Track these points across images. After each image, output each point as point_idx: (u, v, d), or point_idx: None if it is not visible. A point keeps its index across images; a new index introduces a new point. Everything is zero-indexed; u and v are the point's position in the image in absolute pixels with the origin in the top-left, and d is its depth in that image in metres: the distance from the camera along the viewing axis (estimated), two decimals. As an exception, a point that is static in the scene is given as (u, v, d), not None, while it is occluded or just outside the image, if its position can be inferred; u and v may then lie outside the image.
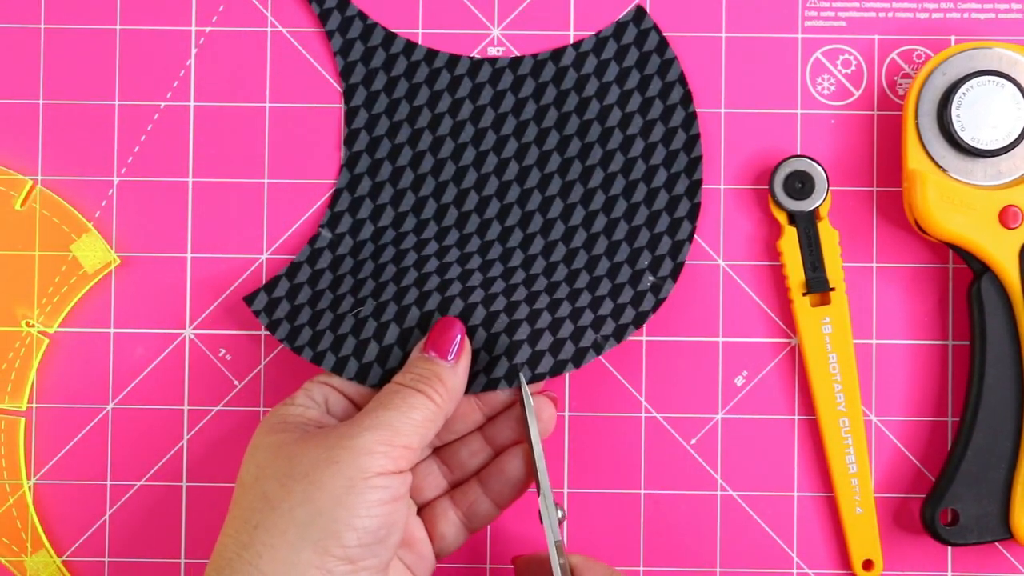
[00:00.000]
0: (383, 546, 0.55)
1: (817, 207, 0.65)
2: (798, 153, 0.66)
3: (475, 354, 0.62)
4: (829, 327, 0.65)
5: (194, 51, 0.68)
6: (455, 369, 0.59)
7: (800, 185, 0.65)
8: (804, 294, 0.65)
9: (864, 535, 0.65)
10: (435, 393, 0.58)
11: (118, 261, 0.67)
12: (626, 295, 0.64)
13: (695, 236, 0.66)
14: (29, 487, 0.66)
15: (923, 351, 0.66)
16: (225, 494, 0.65)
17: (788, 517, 0.66)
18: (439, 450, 0.62)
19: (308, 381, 0.61)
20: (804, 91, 0.67)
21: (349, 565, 0.54)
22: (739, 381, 0.66)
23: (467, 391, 0.61)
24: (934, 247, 0.66)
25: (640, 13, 0.66)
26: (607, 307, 0.63)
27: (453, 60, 0.66)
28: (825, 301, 0.65)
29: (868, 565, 0.65)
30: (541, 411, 0.61)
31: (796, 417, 0.66)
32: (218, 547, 0.55)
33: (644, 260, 0.64)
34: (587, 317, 0.63)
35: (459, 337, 0.60)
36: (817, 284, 0.65)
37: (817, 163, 0.65)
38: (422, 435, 0.57)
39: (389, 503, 0.54)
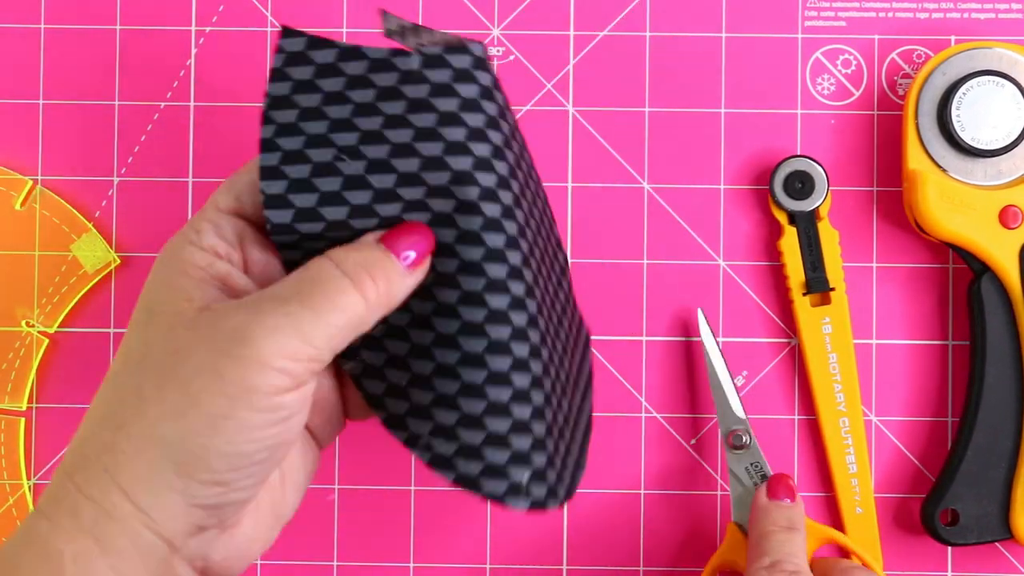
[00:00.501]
0: (262, 467, 0.46)
1: (817, 207, 0.65)
2: (798, 153, 0.66)
3: None
4: (829, 327, 0.65)
5: (194, 51, 0.68)
6: (405, 277, 0.47)
7: (800, 185, 0.65)
8: (804, 294, 0.65)
9: (864, 535, 0.65)
10: (372, 289, 0.46)
11: (118, 261, 0.67)
12: None
13: (695, 237, 0.66)
14: (29, 487, 0.66)
15: (923, 351, 0.66)
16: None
17: (788, 517, 0.66)
18: None
19: (213, 204, 0.49)
20: (804, 91, 0.67)
21: (218, 488, 0.45)
22: (739, 381, 0.66)
23: None
24: (934, 247, 0.66)
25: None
26: None
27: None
28: (825, 301, 0.65)
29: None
30: None
31: (796, 417, 0.66)
32: (79, 436, 0.46)
33: None
34: None
35: (425, 243, 0.48)
36: (817, 284, 0.65)
37: (817, 163, 0.65)
38: (338, 343, 0.45)
39: (278, 425, 0.45)
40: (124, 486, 0.44)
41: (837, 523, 0.66)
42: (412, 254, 0.47)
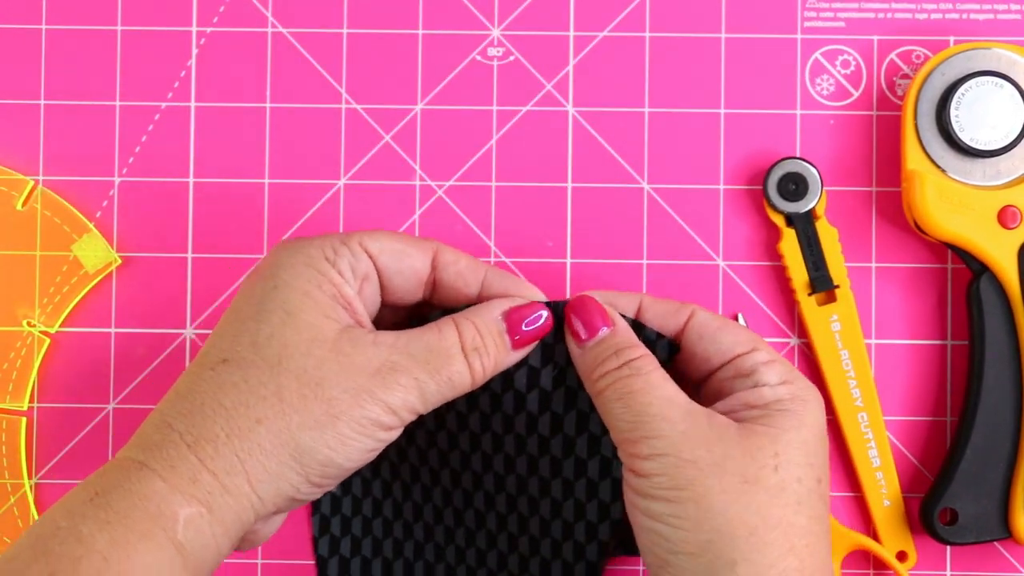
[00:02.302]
0: (345, 476, 0.54)
1: (813, 207, 0.65)
2: (797, 154, 0.66)
3: None
4: (838, 324, 0.65)
5: (195, 51, 0.68)
6: (512, 355, 0.56)
7: (794, 187, 0.65)
8: (809, 294, 0.65)
9: (895, 527, 0.65)
10: (479, 372, 0.55)
11: (119, 261, 0.67)
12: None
13: (695, 237, 0.66)
14: (30, 487, 0.66)
15: (922, 351, 0.67)
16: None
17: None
18: None
19: (357, 239, 0.56)
20: (803, 91, 0.67)
21: (317, 489, 0.53)
22: (738, 381, 0.66)
23: None
24: (933, 247, 0.67)
25: None
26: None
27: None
28: (831, 299, 0.65)
29: (902, 556, 0.65)
30: None
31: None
32: (201, 407, 0.52)
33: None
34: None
35: (540, 327, 0.56)
36: (821, 283, 0.65)
37: (809, 163, 0.65)
38: (437, 405, 0.54)
39: (374, 452, 0.53)
40: (250, 472, 0.51)
41: (866, 519, 0.66)
42: (527, 332, 0.56)
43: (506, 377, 0.57)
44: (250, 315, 0.53)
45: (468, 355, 0.54)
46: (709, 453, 0.52)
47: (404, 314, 0.59)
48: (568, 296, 0.60)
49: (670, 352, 0.57)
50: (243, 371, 0.52)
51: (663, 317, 0.57)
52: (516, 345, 0.56)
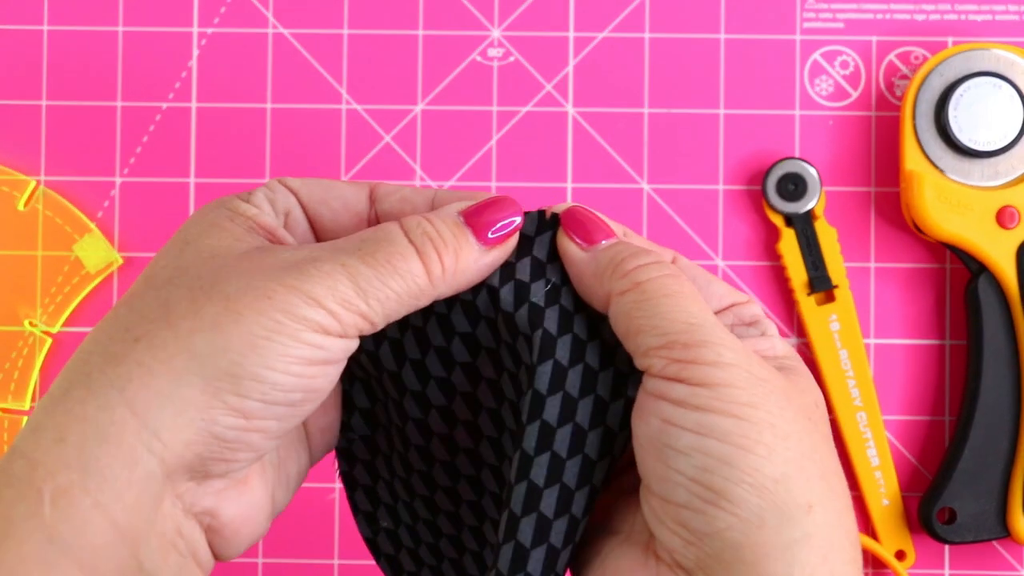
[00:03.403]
0: (290, 411, 0.42)
1: (812, 207, 0.65)
2: (796, 155, 0.67)
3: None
4: (837, 324, 0.65)
5: (196, 52, 0.68)
6: (483, 256, 0.44)
7: (793, 187, 0.65)
8: (808, 294, 0.65)
9: (894, 526, 0.66)
10: (438, 265, 0.43)
11: (120, 261, 0.67)
12: None
13: (695, 237, 0.66)
14: (32, 486, 0.66)
15: (921, 351, 0.67)
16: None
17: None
18: None
19: (274, 179, 0.46)
20: (802, 92, 0.67)
21: (240, 420, 0.40)
22: (738, 380, 0.66)
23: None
24: (932, 247, 0.67)
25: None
26: None
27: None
28: (830, 299, 0.66)
29: (901, 555, 0.66)
30: None
31: (795, 416, 0.66)
32: (78, 354, 0.41)
33: None
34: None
35: (511, 222, 0.44)
36: (820, 283, 0.65)
37: (808, 163, 0.65)
38: (392, 311, 0.42)
39: (317, 365, 0.41)
40: (133, 400, 0.39)
41: (865, 518, 0.66)
42: (498, 231, 0.44)
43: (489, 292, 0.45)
44: (153, 266, 0.43)
45: (414, 239, 0.43)
46: (774, 379, 0.43)
47: None
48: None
49: None
50: (128, 303, 0.41)
51: None
52: (484, 240, 0.44)
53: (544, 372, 0.45)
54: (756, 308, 0.47)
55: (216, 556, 0.43)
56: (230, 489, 0.43)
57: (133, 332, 0.40)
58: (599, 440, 0.46)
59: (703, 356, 0.42)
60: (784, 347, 0.46)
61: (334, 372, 0.42)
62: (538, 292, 0.45)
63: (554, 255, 0.46)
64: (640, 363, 0.43)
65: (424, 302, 0.43)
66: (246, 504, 0.44)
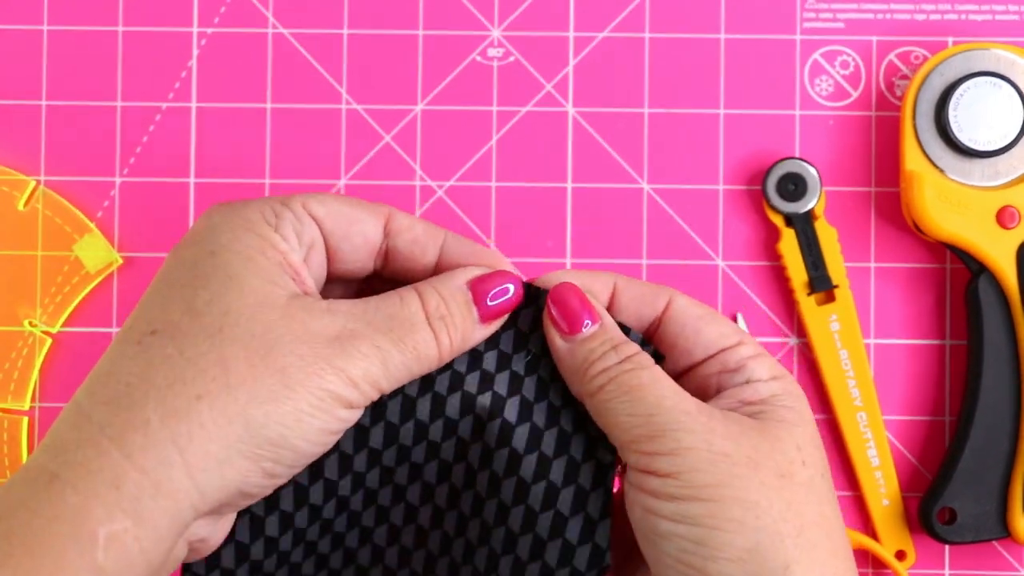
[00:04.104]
0: (300, 468, 0.46)
1: (812, 207, 0.65)
2: (796, 154, 0.67)
3: None
4: (837, 324, 0.65)
5: (196, 52, 0.68)
6: (481, 330, 0.48)
7: (793, 187, 0.65)
8: (808, 294, 0.65)
9: (894, 527, 0.66)
10: (448, 347, 0.47)
11: (120, 261, 0.67)
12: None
13: (695, 237, 0.66)
14: (32, 486, 0.66)
15: (921, 351, 0.67)
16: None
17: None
18: None
19: (300, 202, 0.48)
20: (802, 92, 0.67)
21: (267, 479, 0.45)
22: (738, 380, 0.66)
23: None
24: (932, 247, 0.67)
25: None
26: None
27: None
28: (830, 299, 0.66)
29: (901, 555, 0.66)
30: None
31: (795, 416, 0.66)
32: (129, 392, 0.43)
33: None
34: None
35: (510, 301, 0.49)
36: (820, 283, 0.65)
37: (809, 163, 0.65)
38: (402, 383, 0.47)
39: (336, 434, 0.46)
40: (191, 463, 0.42)
41: (865, 518, 0.66)
42: (498, 306, 0.49)
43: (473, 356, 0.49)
44: (183, 282, 0.45)
45: (433, 324, 0.47)
46: (739, 446, 0.46)
47: (353, 291, 0.52)
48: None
49: (656, 360, 0.50)
50: (177, 342, 0.44)
51: (639, 304, 0.50)
52: (483, 318, 0.48)
53: (521, 433, 0.49)
54: (745, 350, 0.49)
55: (188, 560, 0.47)
56: (223, 519, 0.47)
57: (194, 388, 0.43)
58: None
59: (664, 446, 0.46)
60: (770, 388, 0.48)
61: (340, 436, 0.46)
62: (519, 363, 0.49)
63: (536, 326, 0.49)
64: (622, 457, 0.47)
65: (427, 372, 0.48)
66: (225, 528, 0.47)
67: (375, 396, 0.46)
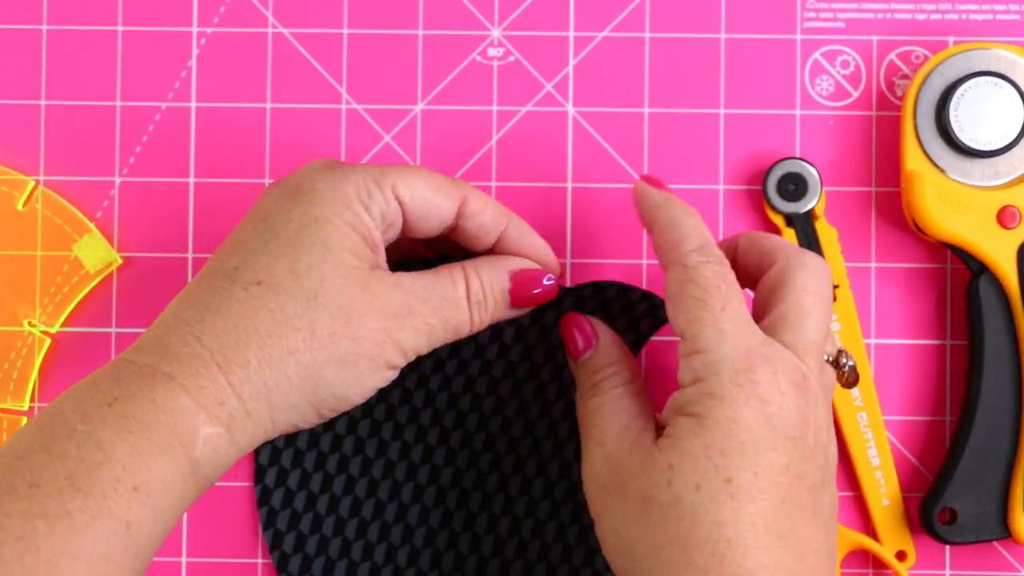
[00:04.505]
0: (345, 411, 0.56)
1: (812, 207, 0.65)
2: (796, 154, 0.67)
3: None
4: (837, 324, 0.65)
5: (195, 52, 0.68)
6: (509, 313, 0.58)
7: (794, 187, 0.65)
8: (807, 293, 0.65)
9: (894, 527, 0.65)
10: (477, 322, 0.57)
11: (120, 261, 0.67)
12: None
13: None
14: (31, 486, 0.66)
15: (921, 351, 0.67)
16: (226, 494, 0.65)
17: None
18: None
19: (391, 184, 0.56)
20: (803, 92, 0.67)
21: (314, 421, 0.54)
22: (738, 381, 0.66)
23: None
24: (932, 247, 0.67)
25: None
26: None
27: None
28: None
29: (902, 556, 0.66)
30: None
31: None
32: (234, 325, 0.53)
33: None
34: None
35: (541, 290, 0.59)
36: (819, 283, 0.65)
37: (809, 163, 0.65)
38: (436, 347, 0.56)
39: (377, 389, 0.55)
40: (273, 401, 0.52)
41: (865, 518, 0.66)
42: (529, 298, 0.58)
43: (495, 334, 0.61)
44: (287, 240, 0.54)
45: (472, 307, 0.56)
46: (615, 478, 0.53)
47: (404, 244, 0.60)
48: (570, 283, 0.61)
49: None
50: (280, 298, 0.53)
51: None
52: (515, 303, 0.58)
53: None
54: (683, 347, 0.54)
55: None
56: None
57: (287, 343, 0.52)
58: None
59: (582, 475, 0.56)
60: (683, 396, 0.53)
61: None
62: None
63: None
64: None
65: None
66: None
67: (413, 359, 0.55)
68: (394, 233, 0.57)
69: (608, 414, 0.56)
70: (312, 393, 0.53)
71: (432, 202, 0.57)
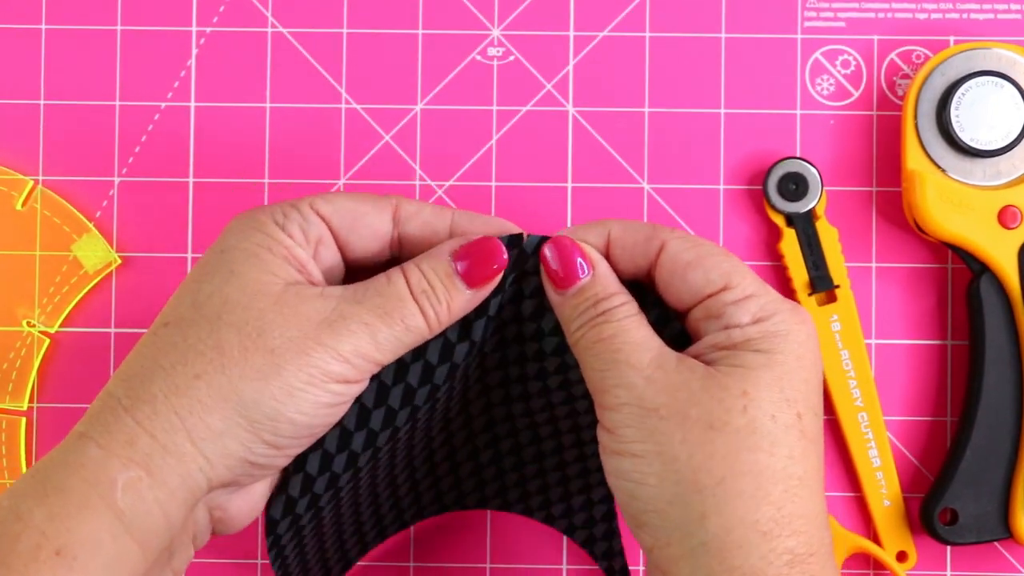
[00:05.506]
0: (310, 439, 0.51)
1: (813, 207, 0.65)
2: (797, 154, 0.67)
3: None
4: (838, 324, 0.65)
5: (195, 51, 0.68)
6: (471, 299, 0.52)
7: (794, 187, 0.65)
8: (810, 294, 0.65)
9: (895, 527, 0.65)
10: (435, 319, 0.52)
11: (119, 261, 0.67)
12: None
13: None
14: (30, 487, 0.66)
15: (922, 351, 0.67)
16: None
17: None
18: None
19: (308, 203, 0.53)
20: (804, 91, 0.67)
21: (273, 450, 0.50)
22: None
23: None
24: (933, 247, 0.67)
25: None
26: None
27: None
28: (831, 299, 0.65)
29: (902, 556, 0.66)
30: None
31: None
32: (139, 368, 0.50)
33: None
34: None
35: (495, 265, 0.52)
36: (821, 283, 0.65)
37: (809, 163, 0.65)
38: (398, 354, 0.52)
39: (336, 407, 0.51)
40: (191, 430, 0.48)
41: (866, 519, 0.66)
42: (486, 275, 0.52)
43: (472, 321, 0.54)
44: (194, 278, 0.51)
45: (417, 298, 0.51)
46: (672, 400, 0.48)
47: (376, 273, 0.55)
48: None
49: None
50: (183, 330, 0.50)
51: (633, 251, 0.53)
52: (472, 282, 0.52)
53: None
54: (728, 296, 0.51)
55: (217, 533, 0.53)
56: (241, 490, 0.53)
57: (193, 368, 0.49)
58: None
59: (607, 401, 0.50)
60: (745, 334, 0.49)
61: (348, 406, 0.52)
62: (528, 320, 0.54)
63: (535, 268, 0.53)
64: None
65: (422, 342, 0.52)
66: (249, 498, 0.53)
67: (373, 368, 0.51)
68: (331, 254, 0.53)
69: (635, 340, 0.50)
70: (237, 415, 0.49)
71: (358, 211, 0.53)
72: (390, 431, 0.54)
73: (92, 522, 0.47)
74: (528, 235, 0.53)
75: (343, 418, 0.52)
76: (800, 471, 0.48)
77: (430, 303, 0.51)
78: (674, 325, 0.52)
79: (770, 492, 0.47)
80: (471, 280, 0.52)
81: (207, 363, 0.49)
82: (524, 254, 0.53)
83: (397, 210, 0.54)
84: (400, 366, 0.53)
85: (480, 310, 0.53)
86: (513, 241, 0.53)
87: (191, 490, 0.49)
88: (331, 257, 0.53)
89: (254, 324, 0.49)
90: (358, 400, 0.52)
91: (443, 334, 0.53)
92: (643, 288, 0.53)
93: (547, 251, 0.53)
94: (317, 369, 0.49)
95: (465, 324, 0.53)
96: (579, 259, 0.52)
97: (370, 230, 0.53)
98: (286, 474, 0.54)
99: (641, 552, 0.57)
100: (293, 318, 0.50)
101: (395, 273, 0.52)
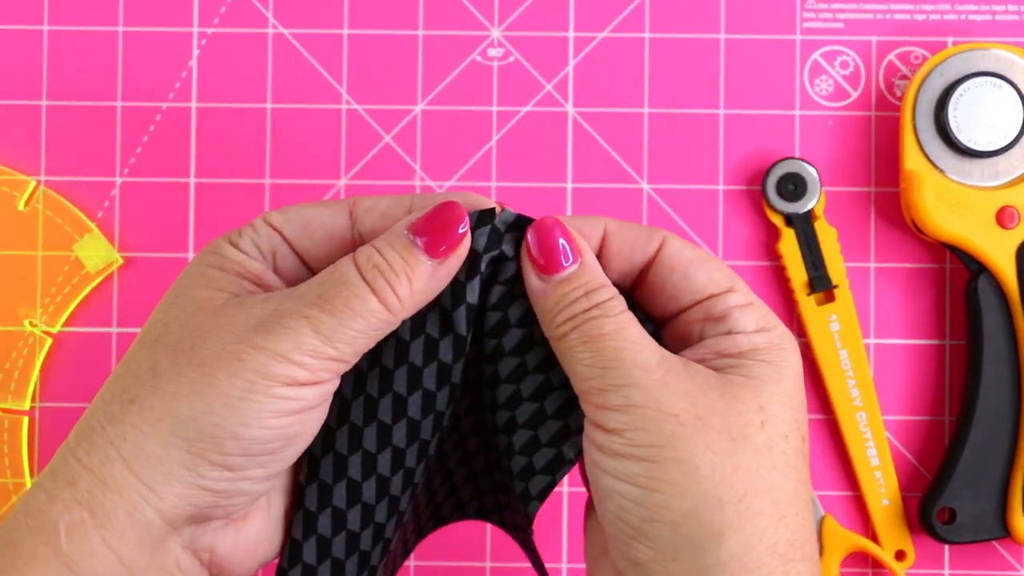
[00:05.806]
0: (275, 457, 0.46)
1: (812, 207, 0.65)
2: (796, 155, 0.67)
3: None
4: (837, 324, 0.65)
5: (196, 52, 0.68)
6: (437, 271, 0.46)
7: (793, 187, 0.65)
8: (808, 294, 0.65)
9: (893, 526, 0.66)
10: (394, 296, 0.46)
11: (120, 261, 0.67)
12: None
13: (695, 237, 0.66)
14: (32, 486, 0.66)
15: (920, 351, 0.67)
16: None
17: (786, 516, 0.66)
18: None
19: (261, 217, 0.49)
20: (802, 92, 0.67)
21: (226, 472, 0.45)
22: (738, 380, 0.66)
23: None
24: (931, 247, 0.67)
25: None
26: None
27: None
28: (830, 299, 0.66)
29: (901, 555, 0.66)
30: None
31: (808, 416, 0.66)
32: (89, 410, 0.46)
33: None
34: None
35: (461, 229, 0.46)
36: (820, 283, 0.65)
37: (808, 164, 0.65)
38: (360, 346, 0.46)
39: (292, 415, 0.45)
40: (128, 458, 0.44)
41: (864, 518, 0.66)
42: (449, 241, 0.46)
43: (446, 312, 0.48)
44: (152, 314, 0.48)
45: (368, 277, 0.46)
46: (692, 406, 0.44)
47: None
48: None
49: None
50: (126, 361, 0.46)
51: (630, 249, 0.49)
52: (432, 254, 0.46)
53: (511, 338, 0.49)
54: (733, 298, 0.47)
55: None
56: (228, 527, 0.48)
57: (129, 393, 0.45)
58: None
59: (612, 401, 0.45)
60: (751, 341, 0.47)
61: (316, 415, 0.46)
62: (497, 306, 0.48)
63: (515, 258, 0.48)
64: (581, 405, 0.46)
65: (392, 328, 0.46)
66: (244, 538, 0.48)
67: (333, 366, 0.45)
68: (288, 262, 0.49)
69: (635, 339, 0.46)
70: (174, 435, 0.44)
71: (310, 215, 0.49)
72: (424, 463, 0.50)
73: (40, 573, 0.44)
74: (503, 208, 0.48)
75: (382, 465, 0.48)
76: (807, 495, 0.46)
77: (387, 280, 0.46)
78: (647, 327, 0.48)
79: (786, 513, 0.45)
80: (432, 250, 0.46)
81: (141, 386, 0.45)
82: (497, 231, 0.47)
83: (354, 207, 0.49)
84: (398, 401, 0.48)
85: (458, 297, 0.47)
86: (485, 217, 0.47)
87: (143, 526, 0.45)
88: (291, 267, 0.49)
89: (188, 339, 0.45)
90: (389, 443, 0.48)
91: (424, 333, 0.48)
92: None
93: (530, 233, 0.48)
94: (255, 374, 0.44)
95: (445, 316, 0.48)
96: (563, 240, 0.47)
97: (323, 232, 0.48)
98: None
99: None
100: (228, 327, 0.45)
101: (343, 260, 0.47)
